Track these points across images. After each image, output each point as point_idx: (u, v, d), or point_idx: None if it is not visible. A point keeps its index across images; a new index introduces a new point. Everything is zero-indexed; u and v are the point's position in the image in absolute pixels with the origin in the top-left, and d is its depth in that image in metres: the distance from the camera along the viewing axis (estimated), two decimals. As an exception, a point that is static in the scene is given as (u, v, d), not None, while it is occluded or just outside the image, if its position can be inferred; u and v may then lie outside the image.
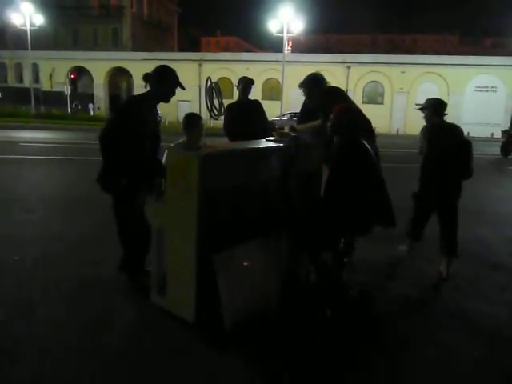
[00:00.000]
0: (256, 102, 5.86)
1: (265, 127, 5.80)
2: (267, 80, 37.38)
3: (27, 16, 31.34)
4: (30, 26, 31.46)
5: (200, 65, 38.20)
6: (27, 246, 4.69)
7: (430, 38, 75.65)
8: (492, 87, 35.11)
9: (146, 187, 3.47)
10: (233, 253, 3.05)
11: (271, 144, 3.56)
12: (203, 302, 3.00)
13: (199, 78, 37.22)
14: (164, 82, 3.46)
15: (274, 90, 36.04)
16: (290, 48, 51.39)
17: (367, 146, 3.27)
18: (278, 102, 29.56)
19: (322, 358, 2.84)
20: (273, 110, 26.08)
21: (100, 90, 41.42)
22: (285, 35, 28.41)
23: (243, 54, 42.93)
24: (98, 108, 39.11)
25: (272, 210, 3.37)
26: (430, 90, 35.66)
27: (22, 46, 36.93)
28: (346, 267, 3.61)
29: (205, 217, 2.88)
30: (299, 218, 3.43)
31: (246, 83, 5.61)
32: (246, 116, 5.47)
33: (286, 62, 29.39)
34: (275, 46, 41.10)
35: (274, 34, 28.70)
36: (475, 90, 35.22)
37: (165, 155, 3.41)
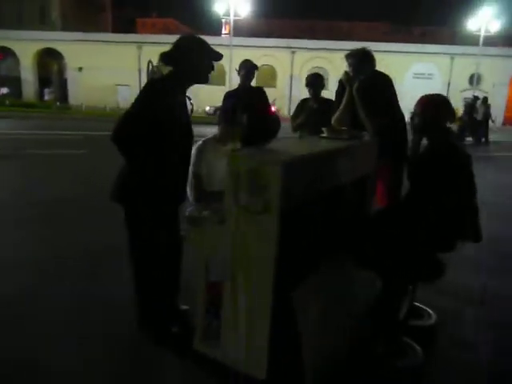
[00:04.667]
0: (260, 89, 5.11)
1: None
2: (211, 64, 36.16)
3: None
4: None
5: (139, 47, 36.11)
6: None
7: (365, 25, 77.15)
8: (429, 74, 36.47)
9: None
10: (314, 286, 2.37)
11: (338, 143, 2.84)
12: (275, 353, 2.31)
13: (139, 61, 35.28)
14: (194, 57, 2.53)
15: (220, 75, 34.92)
16: (227, 32, 49.92)
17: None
18: (221, 87, 28.54)
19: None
20: (217, 98, 25.01)
21: (28, 73, 38.00)
22: (231, 18, 27.44)
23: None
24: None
25: (342, 226, 2.72)
26: (372, 76, 36.34)
27: None
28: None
29: (285, 245, 2.17)
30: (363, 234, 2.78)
31: (250, 68, 4.83)
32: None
33: (228, 45, 28.39)
34: (214, 29, 39.67)
35: (221, 17, 27.63)
36: (413, 78, 36.36)
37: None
